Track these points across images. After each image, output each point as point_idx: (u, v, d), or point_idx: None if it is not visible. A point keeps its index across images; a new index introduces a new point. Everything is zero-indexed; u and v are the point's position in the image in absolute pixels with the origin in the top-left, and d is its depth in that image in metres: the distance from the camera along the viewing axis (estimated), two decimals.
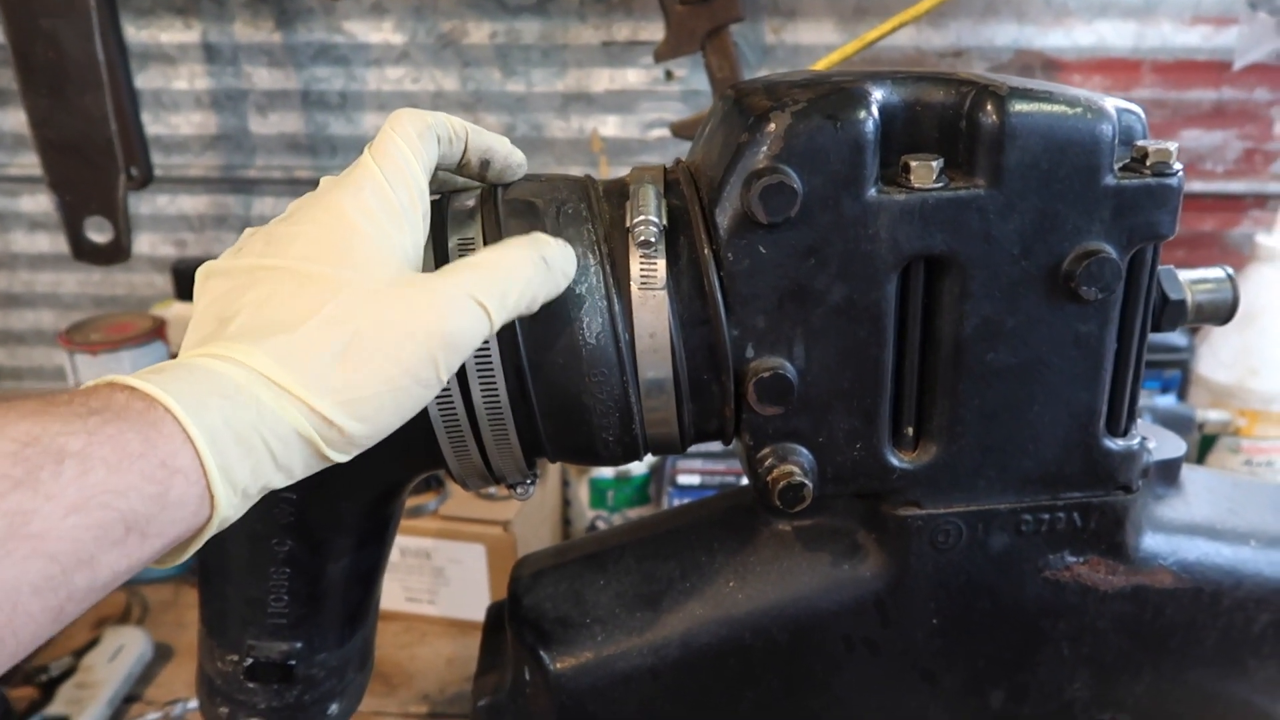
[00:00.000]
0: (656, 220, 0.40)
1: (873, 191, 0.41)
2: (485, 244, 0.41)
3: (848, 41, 0.88)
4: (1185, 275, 0.49)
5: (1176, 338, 0.87)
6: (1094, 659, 0.49)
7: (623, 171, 0.93)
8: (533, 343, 0.40)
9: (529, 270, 0.38)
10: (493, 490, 0.86)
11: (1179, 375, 0.89)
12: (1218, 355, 0.88)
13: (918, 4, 0.68)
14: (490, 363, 0.40)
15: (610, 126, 0.93)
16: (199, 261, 1.00)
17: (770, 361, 0.42)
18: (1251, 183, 0.91)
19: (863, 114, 0.40)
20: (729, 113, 0.44)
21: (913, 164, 0.41)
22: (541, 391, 0.41)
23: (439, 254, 0.41)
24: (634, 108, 0.93)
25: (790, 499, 0.43)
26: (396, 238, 0.36)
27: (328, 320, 0.34)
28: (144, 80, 0.95)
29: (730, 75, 0.81)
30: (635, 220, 0.40)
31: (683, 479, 0.87)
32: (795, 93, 0.41)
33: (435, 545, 0.80)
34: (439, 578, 0.82)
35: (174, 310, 0.97)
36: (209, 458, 0.30)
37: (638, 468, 0.90)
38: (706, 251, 0.41)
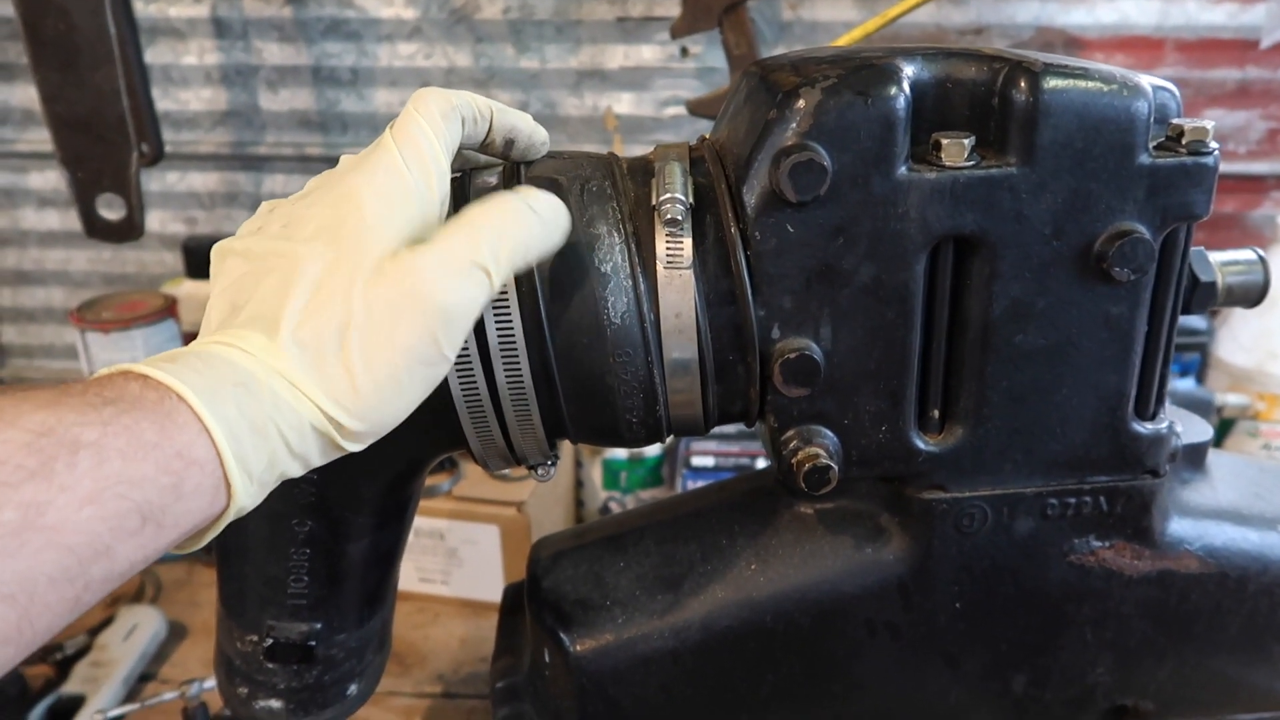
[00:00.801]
0: (683, 198, 0.40)
1: (903, 170, 0.40)
2: None
3: (866, 18, 0.86)
4: (1216, 257, 0.48)
5: (1196, 321, 0.86)
6: (1117, 644, 0.49)
7: (638, 150, 0.92)
8: (557, 322, 0.40)
9: (518, 222, 0.36)
10: (507, 471, 0.86)
11: (1198, 359, 0.88)
12: (1237, 339, 0.87)
13: None
14: (514, 343, 0.40)
15: (625, 104, 0.92)
16: (210, 239, 1.00)
17: (797, 342, 0.41)
18: (1275, 164, 0.89)
19: (894, 90, 0.39)
20: (754, 90, 0.43)
21: (944, 142, 0.40)
22: (565, 372, 0.41)
23: None
24: (649, 85, 0.92)
25: (815, 482, 0.42)
26: (403, 218, 0.35)
27: (321, 309, 0.33)
28: (153, 55, 0.94)
29: (748, 52, 0.79)
30: (661, 198, 0.40)
31: (697, 460, 0.86)
32: (824, 69, 0.40)
33: (449, 526, 0.80)
34: (452, 558, 0.82)
35: (185, 288, 0.97)
36: (225, 447, 0.30)
37: (652, 449, 0.90)
38: (733, 230, 0.40)
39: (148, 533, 0.28)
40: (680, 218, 0.39)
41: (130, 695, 0.73)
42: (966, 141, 0.40)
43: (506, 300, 0.39)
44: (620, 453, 0.90)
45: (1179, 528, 0.47)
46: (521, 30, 0.90)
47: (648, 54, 0.90)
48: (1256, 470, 0.54)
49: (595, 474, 0.91)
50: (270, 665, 0.46)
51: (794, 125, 0.39)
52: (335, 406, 0.33)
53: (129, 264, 1.04)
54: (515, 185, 0.41)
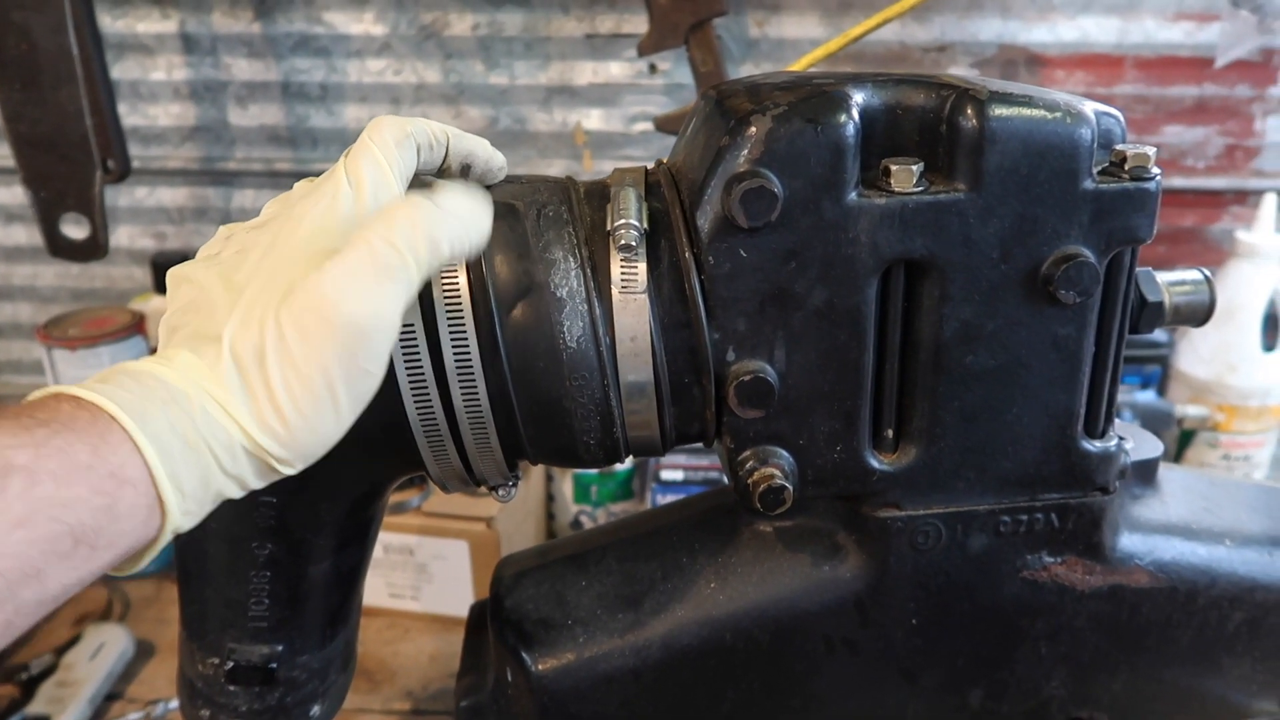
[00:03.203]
0: (637, 224, 0.40)
1: (853, 195, 0.41)
2: None
3: (832, 35, 0.88)
4: (1163, 277, 0.49)
5: (1157, 334, 0.88)
6: (1071, 657, 0.50)
7: (607, 165, 0.93)
8: (513, 346, 0.40)
9: (429, 218, 0.35)
10: None
11: (1159, 371, 0.89)
12: (1197, 351, 0.88)
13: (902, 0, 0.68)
14: (470, 366, 0.40)
15: (594, 119, 0.93)
16: (179, 254, 1.00)
17: (751, 365, 0.42)
18: (1232, 179, 0.91)
19: (843, 118, 0.40)
20: (710, 114, 0.44)
21: (893, 168, 0.41)
22: (522, 395, 0.41)
23: None
24: (617, 101, 0.92)
25: (771, 502, 0.43)
26: (338, 243, 0.34)
27: (245, 333, 0.33)
28: (121, 71, 0.94)
29: (714, 69, 0.80)
30: (616, 224, 0.40)
31: (666, 474, 0.87)
32: (776, 95, 0.41)
33: (418, 541, 0.80)
34: (422, 574, 0.82)
35: (153, 304, 0.97)
36: (157, 465, 0.30)
37: (609, 467, 0.90)
38: (688, 255, 0.41)
39: (80, 555, 0.29)
40: (634, 243, 0.40)
41: (96, 715, 0.72)
42: (915, 168, 0.41)
43: (463, 323, 0.40)
44: None
45: (1129, 543, 0.48)
46: (491, 46, 0.91)
47: (616, 70, 0.91)
48: (1206, 484, 0.55)
49: (566, 488, 0.91)
50: (231, 688, 0.46)
51: (745, 151, 0.40)
52: (261, 431, 0.32)
53: (97, 279, 1.03)
54: None
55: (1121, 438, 0.47)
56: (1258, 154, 0.91)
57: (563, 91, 0.92)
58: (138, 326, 0.88)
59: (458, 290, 0.40)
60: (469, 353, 0.40)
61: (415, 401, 0.40)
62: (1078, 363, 0.44)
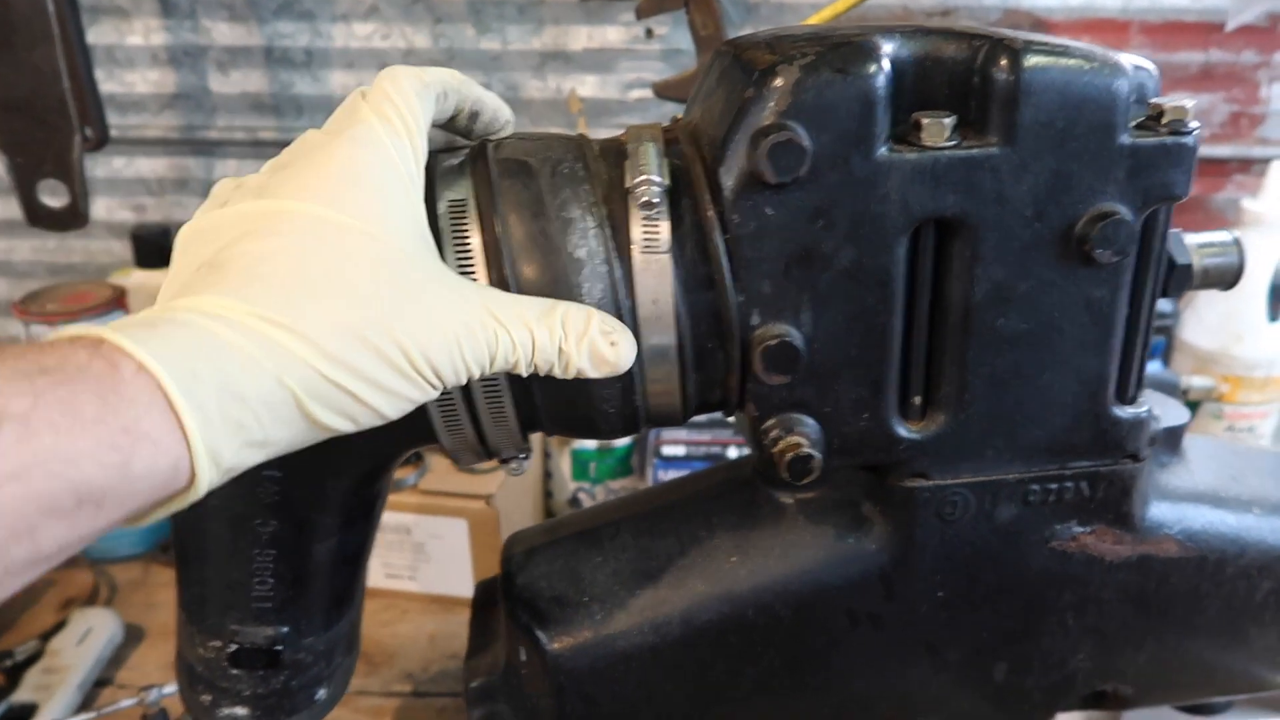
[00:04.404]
0: (659, 180, 0.38)
1: (883, 150, 0.39)
2: (478, 205, 0.39)
3: None
4: (1191, 239, 0.48)
5: (1162, 304, 0.86)
6: (1098, 629, 0.48)
7: (603, 132, 0.91)
8: None
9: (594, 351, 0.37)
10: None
11: (1163, 341, 0.88)
12: (1202, 321, 0.87)
13: None
14: None
15: (589, 86, 0.90)
16: (159, 227, 0.96)
17: (776, 329, 0.40)
18: (1237, 147, 0.90)
19: (873, 68, 0.38)
20: (729, 69, 0.42)
21: (924, 121, 0.39)
22: None
23: (429, 215, 0.39)
24: (613, 67, 0.90)
25: (799, 471, 0.41)
26: (407, 207, 0.34)
27: (352, 287, 0.32)
28: (95, 35, 0.90)
29: (714, 33, 0.78)
30: (636, 180, 0.38)
31: (667, 449, 0.85)
32: (801, 46, 0.39)
33: (416, 520, 0.78)
34: (419, 553, 0.80)
35: (134, 278, 0.93)
36: (192, 425, 0.28)
37: (622, 439, 0.89)
38: (711, 213, 0.39)
39: (84, 514, 0.26)
40: (656, 200, 0.38)
41: (86, 702, 0.70)
42: (947, 121, 0.39)
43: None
44: (589, 443, 0.88)
45: (1158, 512, 0.47)
46: (482, 10, 0.88)
47: (612, 35, 0.88)
48: (1230, 453, 0.54)
49: (564, 465, 0.90)
50: (235, 671, 0.44)
51: (772, 104, 0.38)
52: (328, 382, 0.31)
53: (75, 254, 1.00)
54: (483, 166, 0.40)
55: (1151, 405, 0.46)
56: (1263, 121, 0.90)
57: (557, 57, 0.90)
58: (119, 301, 0.85)
59: (470, 252, 0.38)
60: None
61: None
62: (1110, 326, 0.43)
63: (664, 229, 0.38)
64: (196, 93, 0.92)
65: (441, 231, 0.38)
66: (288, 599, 0.43)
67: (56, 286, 0.86)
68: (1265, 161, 0.87)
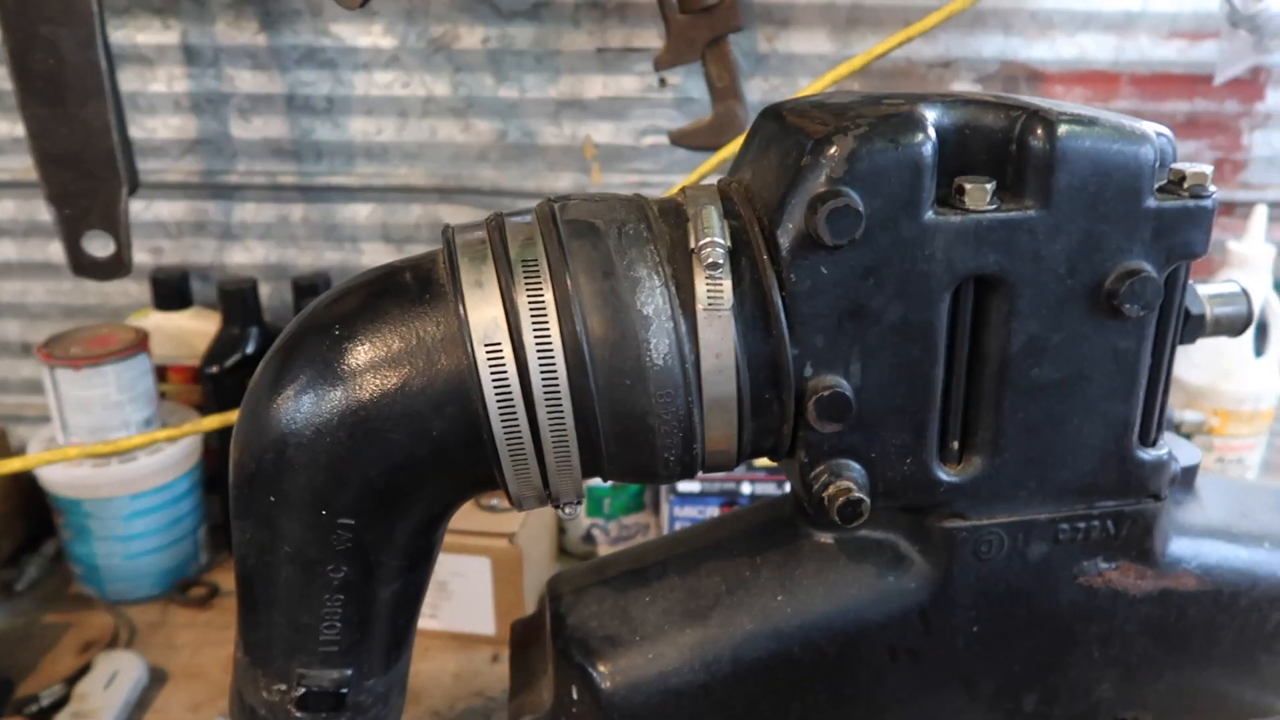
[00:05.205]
0: (723, 242, 0.41)
1: (930, 213, 0.42)
2: (549, 263, 0.41)
3: (840, 50, 0.89)
4: (1203, 290, 0.51)
5: None
6: (1121, 660, 0.51)
7: (616, 178, 0.93)
8: (599, 365, 0.40)
9: None
10: (494, 502, 0.85)
11: None
12: (1191, 358, 0.91)
13: (924, 19, 0.69)
14: (557, 387, 0.40)
15: (603, 133, 0.93)
16: (178, 270, 0.98)
17: (828, 380, 0.43)
18: (1222, 191, 0.94)
19: (921, 137, 0.41)
20: (777, 134, 0.44)
21: (967, 186, 0.42)
22: (607, 413, 0.41)
23: (500, 269, 0.41)
24: (627, 115, 0.93)
25: (849, 514, 0.43)
26: None
27: None
28: (119, 83, 0.91)
29: (730, 84, 0.81)
30: (701, 242, 0.41)
31: (683, 486, 0.87)
32: (853, 115, 0.42)
33: (439, 559, 0.79)
34: (441, 591, 0.81)
35: (153, 320, 0.95)
36: None
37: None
38: (770, 273, 0.41)
39: None
40: (721, 261, 0.40)
41: None
42: (989, 186, 0.42)
43: (550, 344, 0.40)
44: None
45: (1177, 547, 0.50)
46: (501, 60, 0.91)
47: (627, 84, 0.91)
48: (1238, 489, 0.57)
49: None
50: (299, 714, 0.45)
51: (828, 171, 0.41)
52: None
53: (90, 295, 1.01)
54: (551, 228, 0.42)
55: (1171, 447, 0.49)
56: (1245, 167, 0.94)
57: (572, 105, 0.92)
58: (142, 344, 0.86)
59: (544, 309, 0.40)
60: (556, 373, 0.40)
61: (503, 421, 0.40)
62: (1135, 374, 0.46)
63: (727, 287, 0.41)
64: (217, 138, 0.94)
65: (515, 286, 0.40)
66: (354, 642, 0.45)
67: (79, 329, 0.86)
68: (1249, 205, 0.91)
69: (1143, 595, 0.50)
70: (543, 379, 0.40)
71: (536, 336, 0.40)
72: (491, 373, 0.40)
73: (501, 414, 0.40)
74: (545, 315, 0.40)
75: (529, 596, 0.82)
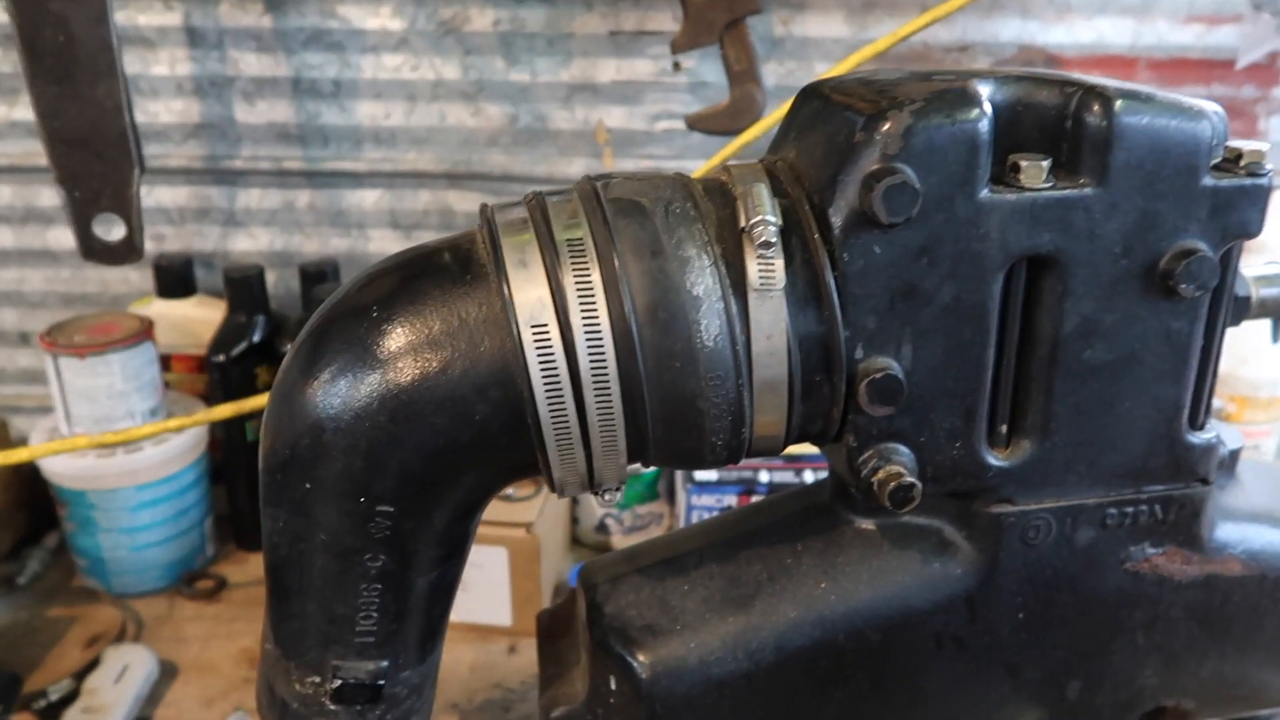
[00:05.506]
0: (774, 220, 0.39)
1: (985, 191, 0.41)
2: (595, 243, 0.40)
3: (855, 34, 0.88)
4: (1248, 272, 0.50)
5: None
6: (1165, 646, 0.50)
7: (628, 163, 0.92)
8: (649, 347, 0.39)
9: None
10: (510, 491, 0.84)
11: None
12: None
13: (942, 3, 0.68)
14: (605, 370, 0.39)
15: (616, 118, 0.92)
16: (181, 257, 0.96)
17: (880, 362, 0.42)
18: None
19: (977, 113, 0.40)
20: (822, 111, 0.43)
21: (1023, 164, 0.41)
22: (655, 396, 0.40)
23: (544, 249, 0.39)
24: (640, 99, 0.91)
25: (900, 499, 0.42)
26: None
27: None
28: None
29: (748, 68, 0.80)
30: (753, 220, 0.39)
31: (701, 474, 0.86)
32: (906, 91, 0.41)
33: None
34: None
35: (155, 308, 0.93)
36: None
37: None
38: (822, 252, 0.40)
39: None
40: (773, 240, 0.39)
41: None
42: (1045, 163, 0.41)
43: (598, 326, 0.39)
44: None
45: (1223, 532, 0.49)
46: (511, 43, 0.89)
47: (640, 68, 0.90)
48: (1275, 473, 0.57)
49: None
50: (334, 707, 0.44)
51: (882, 147, 0.40)
52: None
53: (89, 284, 0.99)
54: (595, 207, 0.41)
55: (1219, 430, 0.48)
56: None
57: (585, 89, 0.91)
58: (146, 332, 0.84)
59: (591, 289, 0.39)
60: (604, 356, 0.39)
61: (550, 405, 0.39)
62: (1187, 356, 0.45)
63: (779, 267, 0.40)
64: (221, 122, 0.92)
65: (561, 267, 0.39)
66: (390, 633, 0.44)
67: (82, 317, 0.85)
68: None
69: (1188, 581, 0.49)
70: (590, 361, 0.39)
71: (584, 317, 0.39)
72: (538, 355, 0.39)
73: (548, 397, 0.39)
74: (593, 296, 0.39)
75: (545, 587, 0.81)
